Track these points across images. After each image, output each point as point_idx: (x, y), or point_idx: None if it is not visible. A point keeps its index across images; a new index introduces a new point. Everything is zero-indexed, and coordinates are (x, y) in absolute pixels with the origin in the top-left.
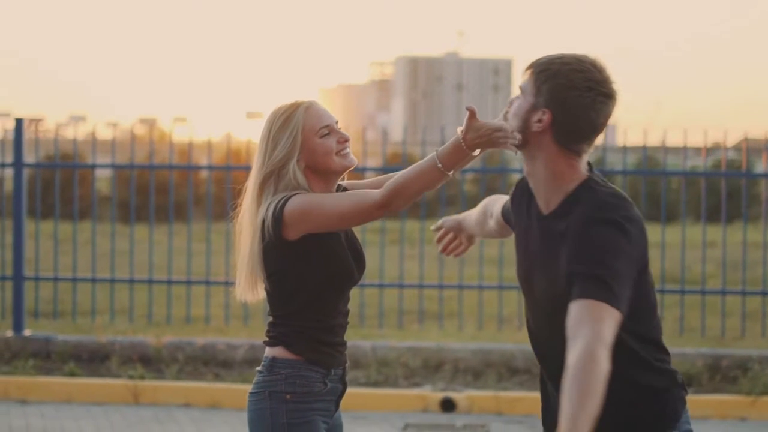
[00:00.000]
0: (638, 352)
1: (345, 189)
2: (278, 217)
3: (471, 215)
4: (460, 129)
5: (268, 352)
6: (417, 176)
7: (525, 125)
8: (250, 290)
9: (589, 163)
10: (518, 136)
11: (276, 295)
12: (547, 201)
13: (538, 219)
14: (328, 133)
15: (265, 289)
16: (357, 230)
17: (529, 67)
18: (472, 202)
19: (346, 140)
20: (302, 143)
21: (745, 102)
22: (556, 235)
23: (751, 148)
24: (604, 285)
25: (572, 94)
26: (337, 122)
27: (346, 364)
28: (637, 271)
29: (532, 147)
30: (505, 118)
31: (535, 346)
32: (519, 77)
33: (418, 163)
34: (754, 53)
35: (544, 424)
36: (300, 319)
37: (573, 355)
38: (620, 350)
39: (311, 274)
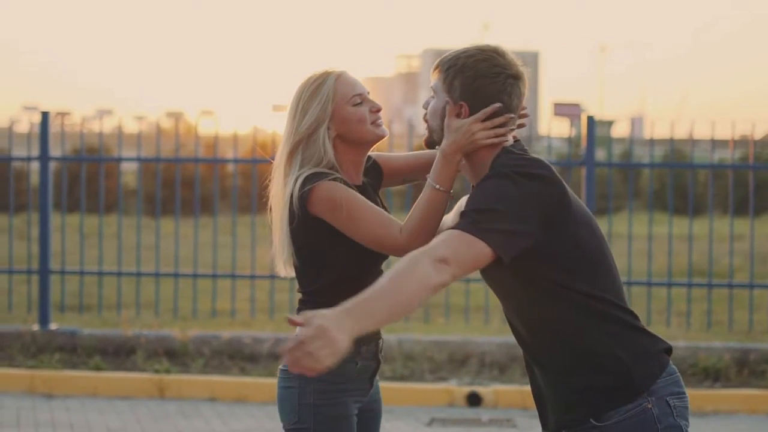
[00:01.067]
0: (590, 307)
1: (375, 162)
2: (305, 194)
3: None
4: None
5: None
6: (424, 209)
7: (444, 123)
8: (288, 265)
9: (516, 139)
10: (515, 122)
11: (304, 271)
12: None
13: None
14: (360, 102)
15: (294, 265)
16: None
17: (437, 67)
18: None
19: (379, 109)
20: (333, 111)
21: None
22: None
23: None
24: (469, 218)
25: (483, 82)
26: (368, 93)
27: (380, 340)
28: (544, 222)
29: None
30: (425, 121)
31: (512, 331)
32: (428, 78)
33: (419, 198)
34: None
35: (537, 405)
36: (329, 295)
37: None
38: (568, 307)
39: (339, 248)
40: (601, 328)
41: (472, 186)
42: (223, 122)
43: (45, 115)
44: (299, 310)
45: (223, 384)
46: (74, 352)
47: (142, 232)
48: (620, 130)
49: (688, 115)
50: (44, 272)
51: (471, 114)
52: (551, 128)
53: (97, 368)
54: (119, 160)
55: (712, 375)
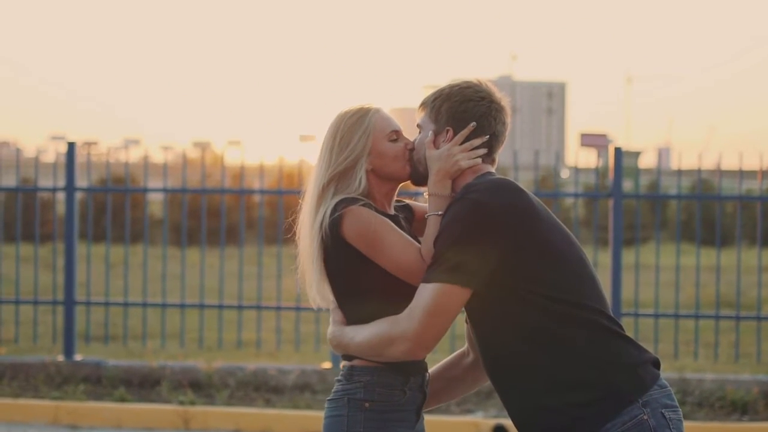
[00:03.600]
0: (571, 316)
1: (408, 205)
2: (336, 219)
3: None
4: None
5: (346, 362)
6: (432, 239)
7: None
8: (319, 295)
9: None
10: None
11: (343, 302)
12: None
13: None
14: (396, 138)
15: (335, 296)
16: None
17: (421, 105)
18: None
19: (413, 148)
20: (372, 146)
21: None
22: None
23: None
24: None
25: (468, 105)
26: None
27: (426, 372)
28: (512, 238)
29: None
30: (414, 158)
31: (487, 369)
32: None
33: (426, 231)
34: None
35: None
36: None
37: None
38: (543, 317)
39: (373, 272)
40: (580, 336)
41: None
42: (250, 152)
43: (71, 146)
44: None
45: (248, 416)
46: (99, 382)
47: (167, 262)
48: (647, 161)
49: (716, 146)
50: (69, 303)
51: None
52: (578, 159)
53: (122, 399)
54: (145, 190)
55: (740, 408)
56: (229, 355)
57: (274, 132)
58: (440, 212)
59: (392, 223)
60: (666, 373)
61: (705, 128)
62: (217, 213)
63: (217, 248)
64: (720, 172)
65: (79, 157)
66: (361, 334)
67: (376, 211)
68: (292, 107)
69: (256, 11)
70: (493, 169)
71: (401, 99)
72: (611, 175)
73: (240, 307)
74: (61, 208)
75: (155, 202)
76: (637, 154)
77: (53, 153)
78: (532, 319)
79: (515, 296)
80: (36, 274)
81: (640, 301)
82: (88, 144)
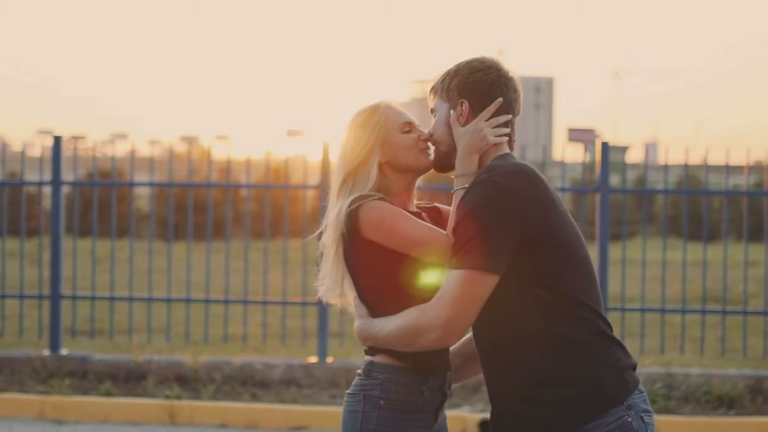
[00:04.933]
0: (571, 314)
1: (436, 207)
2: (353, 216)
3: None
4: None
5: (368, 357)
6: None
7: (450, 128)
8: (334, 292)
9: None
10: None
11: (367, 299)
12: None
13: None
14: (409, 130)
15: (358, 292)
16: None
17: (431, 90)
18: None
19: (427, 138)
20: (384, 139)
21: None
22: None
23: None
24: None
25: (478, 75)
26: (417, 123)
27: (448, 372)
28: (529, 225)
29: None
30: (433, 142)
31: (480, 352)
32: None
33: (453, 204)
34: None
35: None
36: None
37: None
38: (543, 310)
39: (397, 271)
40: (577, 334)
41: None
42: (237, 147)
43: (57, 140)
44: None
45: (234, 410)
46: (85, 377)
47: (154, 256)
48: (635, 156)
49: (703, 141)
50: (55, 297)
51: (472, 109)
52: (566, 153)
53: (108, 394)
54: (131, 184)
55: (726, 402)
56: (215, 350)
57: (262, 127)
58: (466, 186)
59: (406, 213)
60: (652, 367)
61: (692, 124)
62: (204, 207)
63: (204, 243)
64: (707, 168)
65: (66, 151)
66: (391, 324)
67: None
68: (279, 102)
69: (244, 5)
70: (510, 150)
71: (389, 93)
72: (598, 169)
73: (226, 302)
74: (47, 203)
75: (142, 197)
76: (624, 149)
77: (40, 147)
78: (533, 312)
79: (521, 287)
80: (22, 268)
81: (626, 296)
82: (75, 138)
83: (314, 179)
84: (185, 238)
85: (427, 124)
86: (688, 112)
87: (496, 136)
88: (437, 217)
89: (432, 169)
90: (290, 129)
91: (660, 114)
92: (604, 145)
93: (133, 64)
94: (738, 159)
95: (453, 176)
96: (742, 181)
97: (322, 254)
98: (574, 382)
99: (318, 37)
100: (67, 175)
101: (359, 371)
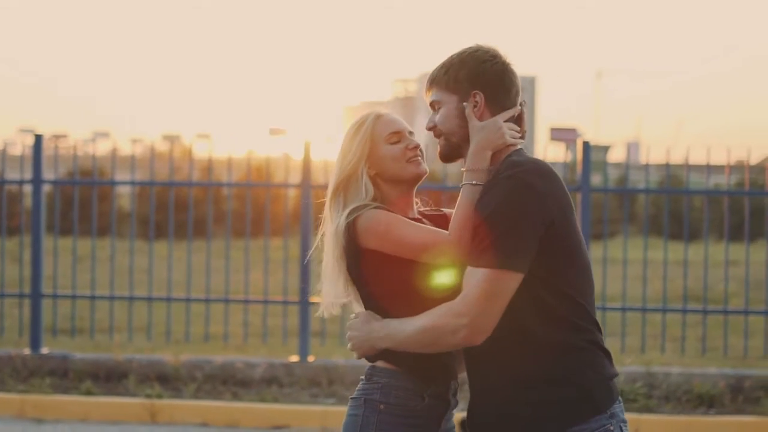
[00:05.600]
0: (568, 320)
1: (445, 215)
2: (351, 229)
3: None
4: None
5: (369, 362)
6: (466, 207)
7: (461, 121)
8: (336, 306)
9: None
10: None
11: (381, 307)
12: None
13: None
14: (397, 141)
15: (363, 303)
16: None
17: (432, 83)
18: None
19: (416, 147)
20: (371, 150)
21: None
22: None
23: None
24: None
25: (486, 66)
26: (410, 132)
27: (454, 381)
28: (550, 223)
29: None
30: (441, 134)
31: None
32: (427, 96)
33: (459, 198)
34: None
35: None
36: None
37: None
38: (543, 311)
39: (408, 275)
40: (572, 340)
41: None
42: (219, 146)
43: (38, 138)
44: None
45: (215, 409)
46: (65, 376)
47: (135, 255)
48: (616, 155)
49: (684, 141)
50: (36, 296)
51: (486, 100)
52: (547, 152)
53: (88, 393)
54: (113, 183)
55: (707, 401)
56: (196, 349)
57: (244, 125)
58: (475, 182)
59: (403, 218)
60: (633, 366)
61: (674, 124)
62: (186, 206)
63: (185, 241)
64: (688, 167)
65: (47, 149)
66: (412, 325)
67: (392, 211)
68: (262, 101)
69: (227, 5)
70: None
71: (371, 93)
72: (580, 168)
73: (207, 301)
74: (28, 201)
75: (123, 196)
76: (605, 149)
77: (21, 146)
78: (532, 313)
79: (528, 287)
80: (2, 267)
81: (607, 295)
82: (56, 137)
83: (296, 178)
84: (166, 237)
85: (409, 125)
86: (669, 112)
87: (513, 137)
88: (443, 224)
89: (422, 175)
90: (272, 128)
91: (642, 114)
92: (586, 145)
93: (116, 63)
94: (719, 159)
95: (462, 169)
96: (723, 181)
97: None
98: (562, 385)
99: (300, 35)
100: (48, 174)
101: (362, 377)
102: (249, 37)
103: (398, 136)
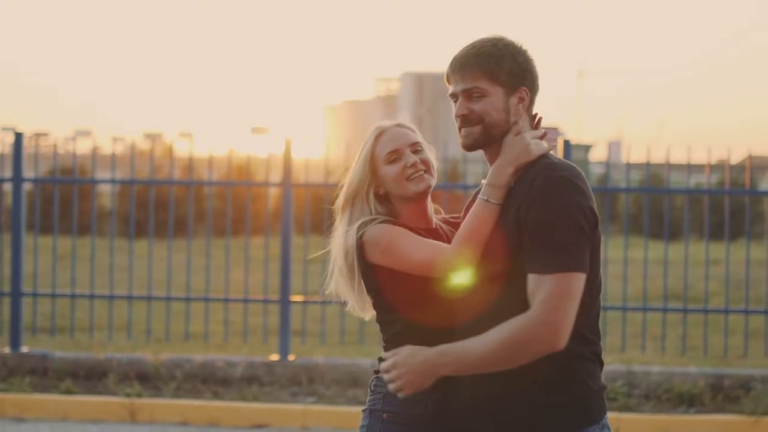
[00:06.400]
0: (578, 330)
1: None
2: (359, 243)
3: None
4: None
5: (374, 374)
6: (476, 221)
7: (507, 115)
8: (361, 308)
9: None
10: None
11: (380, 318)
12: None
13: None
14: (396, 159)
15: (376, 314)
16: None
17: (473, 69)
18: None
19: (414, 163)
20: (374, 171)
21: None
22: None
23: (755, 165)
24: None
25: (531, 63)
26: (414, 143)
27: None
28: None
29: (514, 129)
30: (475, 122)
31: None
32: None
33: (472, 210)
34: (759, 76)
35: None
36: (402, 341)
37: None
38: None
39: (411, 287)
40: (580, 349)
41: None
42: (201, 144)
43: (18, 136)
44: (379, 358)
45: (195, 408)
46: (45, 375)
47: (115, 254)
48: (598, 155)
49: (666, 140)
50: (16, 294)
51: (529, 98)
52: None
53: (68, 392)
54: (93, 181)
55: (687, 400)
56: (176, 347)
57: (226, 124)
58: (489, 199)
59: (407, 231)
60: (614, 365)
61: (655, 123)
62: (167, 205)
63: (166, 240)
64: (669, 166)
65: (28, 148)
66: (487, 342)
67: (400, 224)
68: (244, 99)
69: (210, 3)
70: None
71: (353, 91)
72: None
73: (188, 299)
74: (8, 200)
75: (104, 194)
76: (587, 148)
77: (1, 144)
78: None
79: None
80: None
81: None
82: (37, 135)
83: (277, 177)
84: (147, 236)
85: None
86: (651, 111)
87: (542, 150)
88: None
89: (424, 191)
90: (254, 126)
91: (623, 113)
92: (567, 144)
93: (99, 61)
94: (700, 158)
95: (483, 182)
96: (703, 180)
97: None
98: (563, 394)
99: (283, 34)
100: (28, 172)
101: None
102: (232, 35)
103: (396, 154)
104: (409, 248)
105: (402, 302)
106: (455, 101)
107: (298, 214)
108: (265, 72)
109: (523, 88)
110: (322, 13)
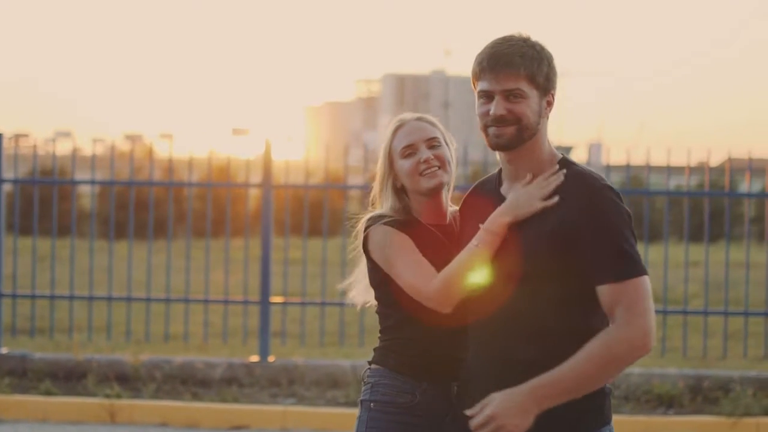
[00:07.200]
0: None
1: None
2: (366, 234)
3: None
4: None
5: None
6: (463, 266)
7: (539, 118)
8: (365, 297)
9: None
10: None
11: (379, 309)
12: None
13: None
14: (411, 153)
15: (377, 304)
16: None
17: (519, 69)
18: None
19: (428, 159)
20: (392, 165)
21: (729, 124)
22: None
23: (735, 168)
24: (630, 259)
25: (553, 63)
26: (431, 138)
27: (453, 383)
28: None
29: (539, 133)
30: (512, 123)
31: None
32: (501, 82)
33: (462, 254)
34: (738, 79)
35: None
36: (393, 332)
37: None
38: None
39: (403, 291)
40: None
41: (510, 161)
42: (181, 145)
43: None
44: (376, 348)
45: (175, 409)
46: (24, 376)
47: (96, 255)
48: (578, 156)
49: (645, 143)
50: None
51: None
52: None
53: (48, 393)
54: (73, 182)
55: (666, 402)
56: (156, 349)
57: (207, 125)
58: (479, 245)
59: (408, 244)
60: None
61: (636, 125)
62: (147, 206)
63: (146, 241)
64: (649, 168)
65: (8, 149)
66: (580, 364)
67: (405, 225)
68: (225, 101)
69: (190, 4)
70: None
71: (334, 93)
72: None
73: (168, 300)
74: None
75: (84, 195)
76: (568, 150)
77: None
78: (581, 315)
79: (585, 288)
80: None
81: None
82: (18, 136)
83: (257, 178)
84: (127, 237)
85: (371, 126)
86: (631, 114)
87: (543, 201)
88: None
89: (437, 187)
90: (235, 127)
91: (604, 115)
92: None
93: (79, 62)
94: (679, 160)
95: (481, 225)
96: (683, 182)
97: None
98: (585, 395)
99: (264, 36)
100: (8, 173)
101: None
102: (213, 37)
103: (412, 149)
104: (401, 265)
105: (403, 296)
106: (486, 99)
107: (278, 216)
108: (246, 73)
109: (552, 92)
110: (303, 14)
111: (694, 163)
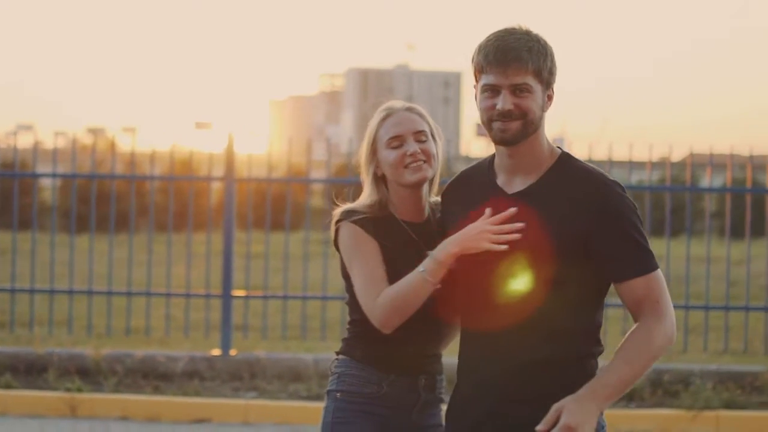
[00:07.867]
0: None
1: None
2: (336, 228)
3: None
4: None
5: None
6: (407, 293)
7: (541, 112)
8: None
9: None
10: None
11: (349, 302)
12: (526, 176)
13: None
14: (398, 145)
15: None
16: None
17: (528, 64)
18: None
19: (414, 153)
20: (375, 152)
21: (691, 121)
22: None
23: (696, 163)
24: (647, 253)
25: (555, 58)
26: (419, 131)
27: (421, 376)
28: None
29: (539, 129)
30: (518, 117)
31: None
32: (510, 76)
33: (406, 279)
34: (700, 77)
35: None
36: (361, 324)
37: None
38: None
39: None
40: (597, 349)
41: (511, 155)
42: (145, 139)
43: None
44: (344, 339)
45: (136, 403)
46: None
47: (57, 248)
48: None
49: (608, 138)
50: None
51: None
52: (472, 148)
53: (8, 386)
54: (34, 175)
55: (627, 395)
56: (117, 342)
57: (170, 118)
58: (429, 278)
59: (369, 252)
60: None
61: (598, 121)
62: (108, 199)
63: (107, 235)
64: (610, 163)
65: None
66: (634, 360)
67: (372, 223)
68: (188, 94)
69: None
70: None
71: (298, 87)
72: None
73: (129, 294)
74: None
75: (47, 188)
76: None
77: None
78: (592, 312)
79: (600, 286)
80: None
81: None
82: None
83: (220, 171)
84: (89, 230)
85: (334, 120)
86: (594, 110)
87: (496, 245)
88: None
89: (421, 181)
90: (198, 121)
91: (567, 111)
92: None
93: (42, 56)
94: (641, 155)
95: (429, 253)
96: (645, 177)
97: None
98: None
99: (228, 29)
100: None
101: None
102: (176, 29)
103: (398, 140)
104: (356, 273)
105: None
106: (491, 93)
107: (240, 209)
108: (209, 67)
109: (553, 86)
110: (267, 8)
111: (655, 158)
